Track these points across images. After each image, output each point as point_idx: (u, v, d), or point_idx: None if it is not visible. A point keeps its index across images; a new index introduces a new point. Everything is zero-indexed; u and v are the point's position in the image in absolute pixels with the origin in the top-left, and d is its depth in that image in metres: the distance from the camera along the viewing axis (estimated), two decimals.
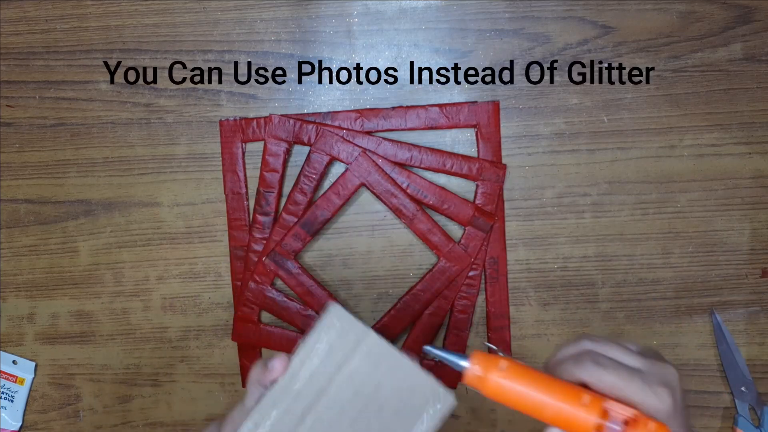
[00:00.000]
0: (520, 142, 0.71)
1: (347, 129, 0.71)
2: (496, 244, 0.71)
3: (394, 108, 0.71)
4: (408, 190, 0.70)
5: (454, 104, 0.70)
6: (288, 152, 0.71)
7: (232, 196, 0.72)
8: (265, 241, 0.71)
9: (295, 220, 0.70)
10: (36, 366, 0.76)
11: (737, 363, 0.70)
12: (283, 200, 0.72)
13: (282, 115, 0.71)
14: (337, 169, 0.72)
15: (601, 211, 0.71)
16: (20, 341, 0.76)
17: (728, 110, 0.70)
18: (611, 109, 0.70)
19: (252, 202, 0.72)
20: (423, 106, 0.70)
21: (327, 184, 0.72)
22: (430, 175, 0.71)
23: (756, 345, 0.71)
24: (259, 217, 0.71)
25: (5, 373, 0.75)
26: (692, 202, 0.71)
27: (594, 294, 0.72)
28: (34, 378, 0.76)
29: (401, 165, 0.70)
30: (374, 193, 0.70)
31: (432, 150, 0.70)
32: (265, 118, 0.71)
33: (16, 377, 0.75)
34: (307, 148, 0.71)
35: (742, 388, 0.70)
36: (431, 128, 0.71)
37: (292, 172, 0.72)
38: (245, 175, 0.72)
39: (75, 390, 0.76)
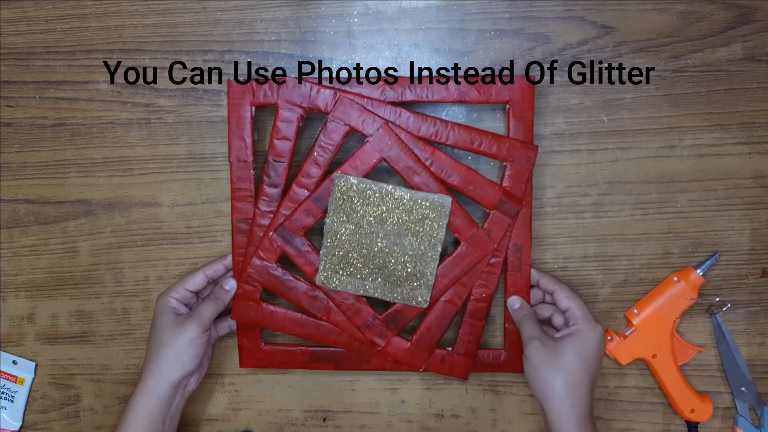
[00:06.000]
0: None
1: (368, 98, 0.66)
2: (522, 230, 0.67)
3: (421, 79, 0.66)
4: (432, 168, 0.65)
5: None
6: (302, 119, 0.66)
7: (238, 164, 0.67)
8: (272, 215, 0.67)
9: (307, 193, 0.66)
10: (36, 366, 0.76)
11: (737, 363, 0.70)
12: (294, 171, 0.68)
13: (297, 78, 0.66)
14: (355, 142, 0.69)
15: (601, 211, 0.71)
16: (20, 341, 0.76)
17: (728, 110, 0.70)
18: (611, 109, 0.70)
19: (259, 172, 0.69)
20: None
21: (344, 156, 0.67)
22: (454, 154, 0.68)
23: (756, 345, 0.71)
24: (267, 189, 0.67)
25: (5, 373, 0.75)
26: (692, 202, 0.71)
27: (594, 294, 0.72)
28: (34, 378, 0.76)
29: (425, 140, 0.65)
30: (395, 170, 0.65)
31: (460, 126, 0.65)
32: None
33: (16, 377, 0.75)
34: (322, 117, 0.67)
35: (742, 388, 0.70)
36: (461, 101, 0.66)
37: (305, 145, 0.71)
38: (253, 141, 0.67)
39: (75, 390, 0.76)
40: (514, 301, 0.68)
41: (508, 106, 0.67)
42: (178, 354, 0.65)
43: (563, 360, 0.62)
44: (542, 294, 0.69)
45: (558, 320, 0.67)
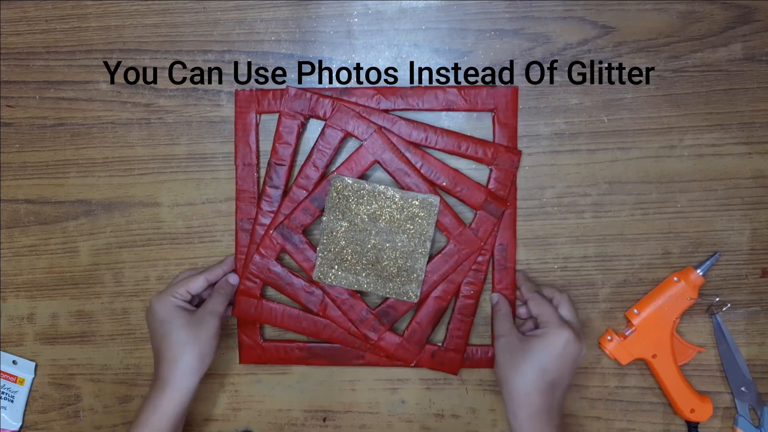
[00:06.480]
0: (521, 142, 0.71)
1: (364, 106, 0.70)
2: (507, 231, 0.70)
3: (412, 87, 0.70)
4: (422, 171, 0.69)
5: (472, 86, 0.70)
6: (303, 126, 0.71)
7: (243, 167, 0.71)
8: (273, 215, 0.70)
9: (306, 194, 0.70)
10: (36, 366, 0.76)
11: (737, 363, 0.70)
12: (294, 174, 0.71)
13: (299, 88, 0.70)
14: (352, 146, 0.71)
15: (601, 211, 0.71)
16: (20, 341, 0.76)
17: (728, 110, 0.70)
18: (611, 109, 0.70)
19: (262, 174, 0.72)
20: (441, 87, 0.70)
21: (340, 160, 0.71)
22: (444, 158, 0.70)
23: (756, 345, 0.71)
24: (269, 190, 0.70)
25: (5, 373, 0.75)
26: (692, 202, 0.71)
27: (594, 294, 0.72)
28: (34, 378, 0.76)
29: (416, 145, 0.69)
30: (387, 171, 0.69)
31: (447, 132, 0.69)
32: (281, 90, 0.71)
33: (16, 377, 0.75)
34: (322, 123, 0.70)
35: (742, 388, 0.70)
36: (448, 110, 0.70)
37: (306, 147, 0.72)
38: (258, 146, 0.71)
39: (75, 390, 0.76)
40: (493, 298, 0.71)
41: (493, 113, 0.70)
42: (203, 349, 0.66)
43: (520, 360, 0.63)
44: None
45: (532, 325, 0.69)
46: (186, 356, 0.65)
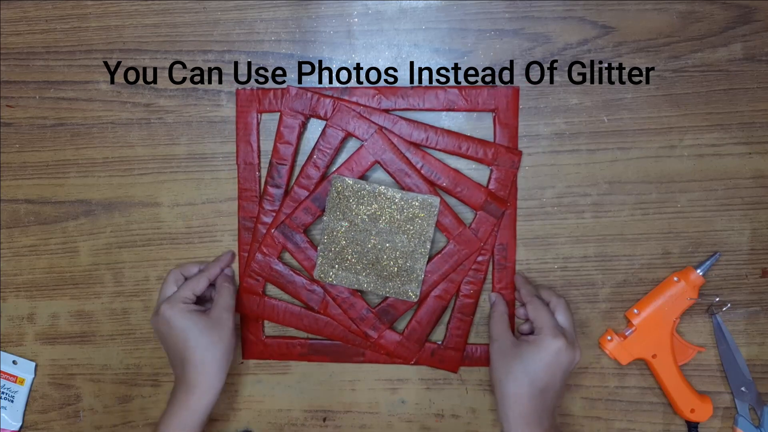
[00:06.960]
0: (521, 142, 0.71)
1: (364, 105, 0.70)
2: (507, 230, 0.70)
3: (413, 87, 0.70)
4: (422, 171, 0.69)
5: (473, 86, 0.70)
6: (303, 125, 0.71)
7: (245, 166, 0.72)
8: (274, 214, 0.71)
9: (307, 194, 0.70)
10: (36, 366, 0.76)
11: (737, 363, 0.70)
12: (295, 173, 0.72)
13: (299, 87, 0.71)
14: (352, 146, 0.71)
15: (601, 211, 0.71)
16: (20, 341, 0.76)
17: (728, 110, 0.70)
18: (611, 109, 0.70)
19: (264, 173, 0.72)
20: (442, 87, 0.70)
21: (341, 160, 0.71)
22: (444, 158, 0.71)
23: (756, 345, 0.71)
24: (270, 189, 0.71)
25: (5, 373, 0.75)
26: (692, 202, 0.71)
27: (594, 294, 0.72)
28: (34, 378, 0.76)
29: (416, 145, 0.70)
30: (388, 172, 0.70)
31: (448, 132, 0.70)
32: (282, 89, 0.71)
33: (16, 377, 0.75)
34: (323, 122, 0.71)
35: (742, 388, 0.70)
36: (449, 110, 0.70)
37: (306, 147, 0.72)
38: (259, 145, 0.72)
39: (75, 390, 0.76)
40: (491, 297, 0.71)
41: (494, 113, 0.70)
42: (226, 347, 0.67)
43: (512, 364, 0.64)
44: None
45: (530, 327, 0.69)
46: (212, 359, 0.65)
